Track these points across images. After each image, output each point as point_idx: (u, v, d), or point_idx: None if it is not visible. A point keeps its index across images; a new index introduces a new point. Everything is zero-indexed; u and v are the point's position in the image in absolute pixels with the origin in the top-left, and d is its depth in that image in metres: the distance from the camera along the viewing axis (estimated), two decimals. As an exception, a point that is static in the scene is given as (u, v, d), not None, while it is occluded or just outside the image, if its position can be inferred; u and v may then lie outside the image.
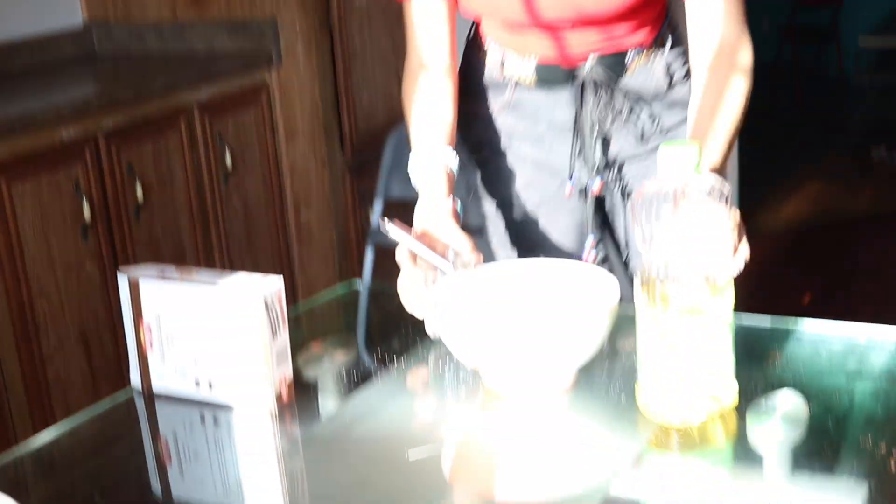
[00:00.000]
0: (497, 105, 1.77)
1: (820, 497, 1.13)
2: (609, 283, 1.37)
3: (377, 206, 3.57)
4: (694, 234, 1.21)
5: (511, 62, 1.73)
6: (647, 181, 1.24)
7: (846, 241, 4.57)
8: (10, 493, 1.05)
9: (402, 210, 3.90)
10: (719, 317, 1.23)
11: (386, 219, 1.45)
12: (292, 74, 3.42)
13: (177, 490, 1.27)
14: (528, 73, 1.72)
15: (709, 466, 1.23)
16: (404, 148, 3.85)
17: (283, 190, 3.49)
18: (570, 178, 1.75)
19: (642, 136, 1.72)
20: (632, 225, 1.24)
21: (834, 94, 7.25)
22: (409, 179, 4.02)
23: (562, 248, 1.80)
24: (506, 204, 1.83)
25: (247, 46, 3.39)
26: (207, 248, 3.20)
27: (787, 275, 4.11)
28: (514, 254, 1.83)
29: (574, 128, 1.72)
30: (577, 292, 1.43)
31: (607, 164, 1.75)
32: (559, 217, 1.80)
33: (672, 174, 1.22)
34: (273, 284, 1.34)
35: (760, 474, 1.19)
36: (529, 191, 1.80)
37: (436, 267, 1.43)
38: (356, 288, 1.89)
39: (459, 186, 1.70)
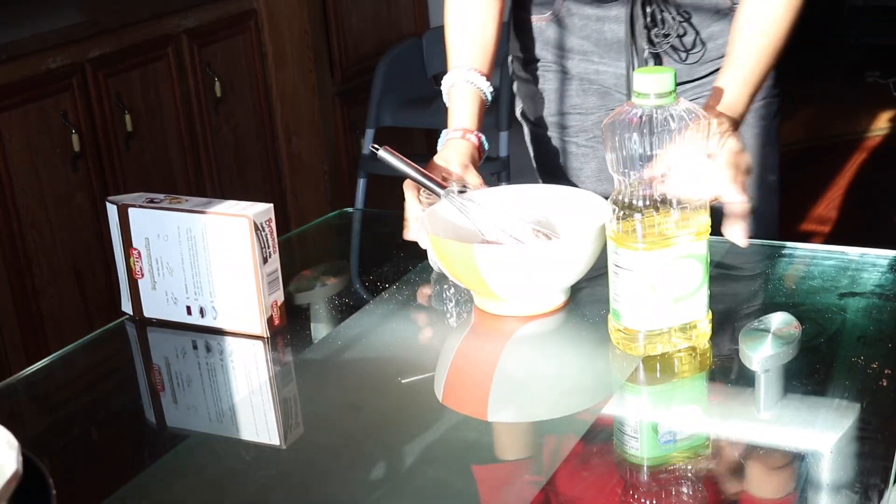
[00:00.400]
0: (545, 17, 1.72)
1: (813, 416, 1.13)
2: (600, 206, 1.36)
3: (368, 134, 3.56)
4: (668, 163, 1.19)
5: None
6: (621, 106, 1.21)
7: (840, 163, 4.56)
8: (2, 423, 1.05)
9: (393, 137, 3.89)
10: (691, 248, 1.21)
11: (376, 145, 1.43)
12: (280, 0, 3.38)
13: (170, 416, 1.27)
14: None
15: (699, 390, 1.24)
16: (394, 75, 3.84)
17: (273, 118, 3.47)
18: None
19: (686, 59, 1.69)
20: (605, 151, 1.22)
21: (828, 17, 7.18)
22: (399, 107, 4.00)
23: (601, 176, 1.76)
24: (546, 125, 1.80)
25: (234, -28, 3.35)
26: (198, 177, 3.18)
27: (782, 197, 4.09)
28: (550, 180, 1.81)
29: (627, 47, 1.66)
30: (568, 214, 1.42)
31: None
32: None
33: (645, 100, 1.19)
34: (263, 210, 1.33)
35: (752, 395, 1.19)
36: (574, 113, 1.76)
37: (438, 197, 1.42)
38: (349, 216, 1.88)
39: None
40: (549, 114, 1.78)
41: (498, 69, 3.49)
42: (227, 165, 3.29)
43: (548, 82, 1.76)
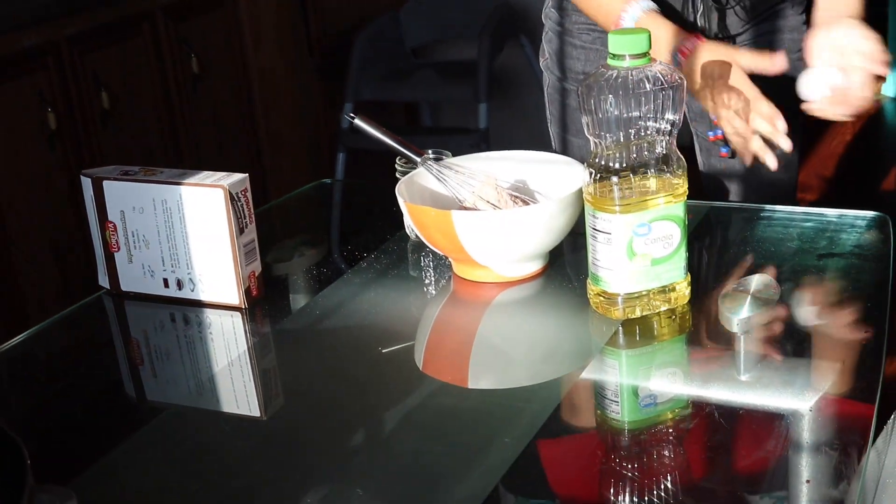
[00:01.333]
0: None
1: (793, 376, 1.13)
2: (577, 170, 1.36)
3: (347, 108, 3.55)
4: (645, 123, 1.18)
5: None
6: (597, 69, 1.21)
7: (821, 131, 4.56)
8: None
9: (372, 111, 3.86)
10: (668, 210, 1.21)
11: (352, 114, 1.43)
12: (256, -25, 3.36)
13: (149, 389, 1.27)
14: None
15: (679, 353, 1.24)
16: (372, 49, 3.82)
17: (251, 95, 3.45)
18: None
19: (753, 8, 1.66)
20: (580, 113, 1.21)
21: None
22: (377, 81, 3.98)
23: None
24: (575, 80, 1.78)
25: (209, -53, 3.32)
26: (177, 154, 3.16)
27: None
28: (566, 134, 1.82)
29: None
30: (545, 179, 1.42)
31: (720, 39, 1.67)
32: None
33: (621, 62, 1.18)
34: (239, 180, 1.32)
35: (732, 357, 1.19)
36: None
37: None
38: (327, 187, 1.87)
39: None
40: (582, 69, 1.77)
41: (476, 43, 3.49)
42: (206, 142, 3.27)
43: (591, 38, 1.75)
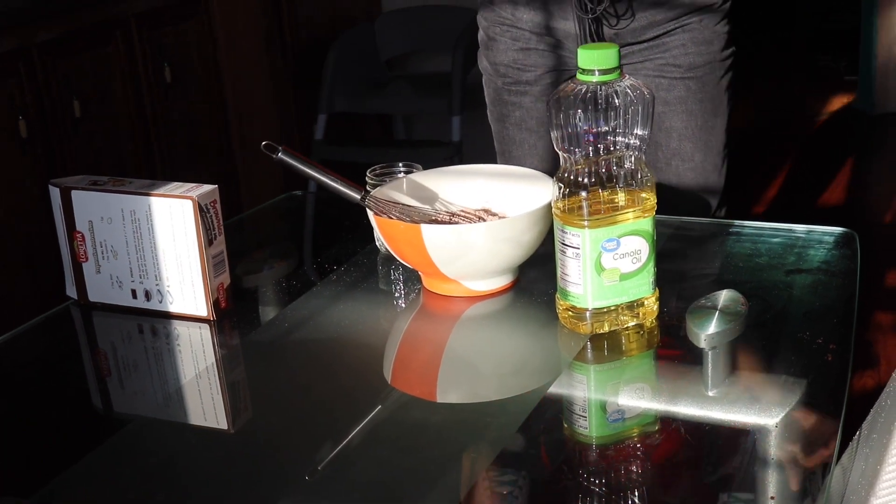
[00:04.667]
0: None
1: (760, 392, 1.13)
2: (546, 184, 1.36)
3: (321, 120, 3.54)
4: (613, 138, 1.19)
5: None
6: (567, 82, 1.21)
7: (792, 146, 4.59)
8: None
9: (346, 123, 3.85)
10: (637, 226, 1.21)
11: (273, 143, 1.41)
12: (231, -16, 3.35)
13: (116, 401, 1.26)
14: None
15: (646, 368, 1.24)
16: (347, 60, 3.81)
17: (225, 103, 3.44)
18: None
19: (616, 24, 1.67)
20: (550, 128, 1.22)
21: (782, 5, 7.24)
22: (353, 92, 3.96)
23: (541, 130, 1.77)
24: (498, 73, 1.80)
25: (183, -45, 3.31)
26: (149, 163, 3.15)
27: (736, 178, 4.12)
28: (501, 127, 1.83)
29: (573, 4, 1.65)
30: (514, 193, 1.42)
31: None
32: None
33: (590, 76, 1.19)
34: (208, 191, 1.32)
35: (700, 372, 1.19)
36: (526, 62, 1.76)
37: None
38: (298, 199, 1.87)
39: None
40: (501, 62, 1.79)
41: (450, 54, 3.49)
42: (179, 151, 3.26)
43: (503, 30, 1.76)
